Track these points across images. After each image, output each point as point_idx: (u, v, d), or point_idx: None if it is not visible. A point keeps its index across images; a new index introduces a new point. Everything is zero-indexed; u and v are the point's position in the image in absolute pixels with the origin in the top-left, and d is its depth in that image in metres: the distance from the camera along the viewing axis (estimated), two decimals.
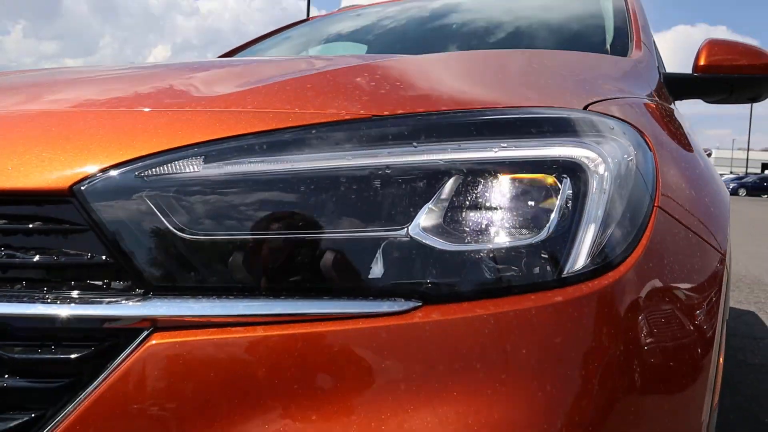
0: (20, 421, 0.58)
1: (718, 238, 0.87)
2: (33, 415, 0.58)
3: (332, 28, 2.87)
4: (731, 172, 62.90)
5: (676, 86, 1.82)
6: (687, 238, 0.78)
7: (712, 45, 1.82)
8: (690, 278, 0.75)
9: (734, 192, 37.69)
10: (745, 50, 1.80)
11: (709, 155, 2.08)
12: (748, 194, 37.54)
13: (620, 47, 1.75)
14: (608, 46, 1.83)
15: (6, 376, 0.59)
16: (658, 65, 1.78)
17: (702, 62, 1.78)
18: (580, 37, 2.11)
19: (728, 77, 1.80)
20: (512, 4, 2.80)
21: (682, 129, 1.21)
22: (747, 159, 65.02)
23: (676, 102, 1.97)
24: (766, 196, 36.83)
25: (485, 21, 2.58)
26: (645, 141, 0.79)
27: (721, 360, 0.87)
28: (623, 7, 2.15)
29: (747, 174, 50.22)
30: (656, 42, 2.17)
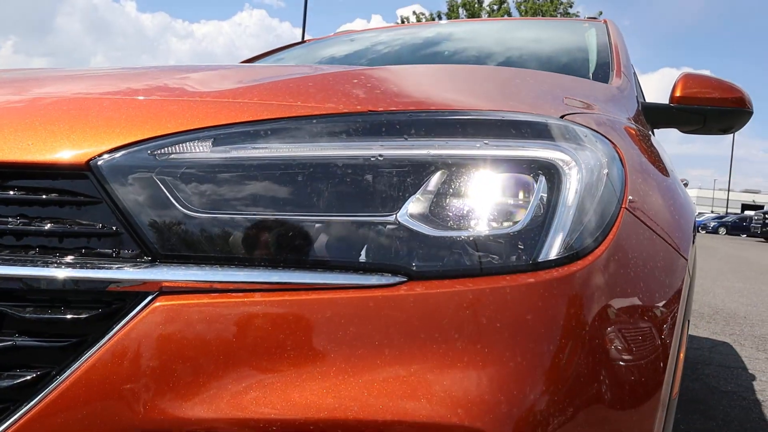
0: (27, 378, 0.62)
1: (682, 244, 0.94)
2: (39, 373, 0.62)
3: (326, 51, 2.94)
4: (712, 212, 63.83)
5: (653, 115, 1.91)
6: (652, 239, 0.85)
7: (688, 78, 1.91)
8: (653, 274, 0.81)
9: (715, 231, 38.23)
10: (718, 84, 1.90)
11: (685, 185, 2.15)
12: (728, 233, 38.07)
13: (602, 75, 1.84)
14: (590, 74, 1.92)
15: (17, 335, 0.63)
16: (637, 95, 1.87)
17: (678, 93, 1.87)
18: (564, 66, 2.20)
19: (702, 108, 1.89)
20: (502, 35, 2.91)
21: (655, 149, 1.29)
22: (727, 199, 66.11)
23: (655, 130, 2.06)
24: (744, 235, 37.36)
25: (476, 50, 2.68)
26: (616, 151, 0.86)
27: (682, 356, 0.93)
28: (606, 41, 2.25)
29: (727, 214, 51.00)
30: (642, 82, 2.27)
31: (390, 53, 2.77)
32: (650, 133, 1.79)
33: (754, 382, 3.32)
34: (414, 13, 24.70)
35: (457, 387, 0.60)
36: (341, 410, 0.58)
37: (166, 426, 0.58)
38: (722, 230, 38.84)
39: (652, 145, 1.31)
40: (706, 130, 2.05)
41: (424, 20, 21.98)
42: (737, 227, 38.75)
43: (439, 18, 22.37)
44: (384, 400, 0.59)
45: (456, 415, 0.59)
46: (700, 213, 62.90)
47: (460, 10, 22.86)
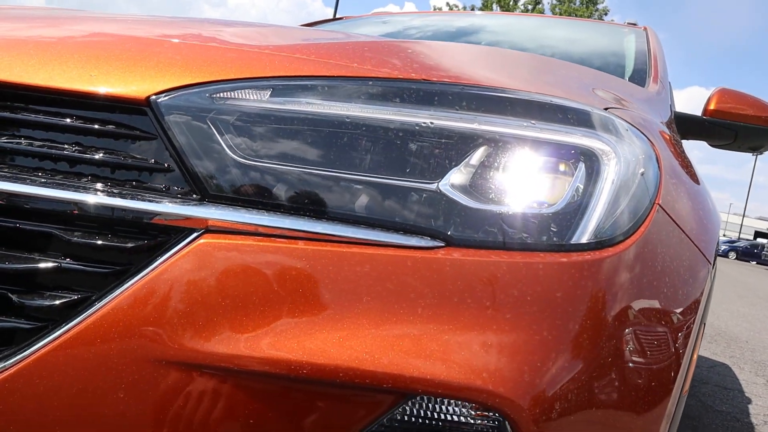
0: (68, 299, 0.64)
1: (708, 248, 0.95)
2: (80, 296, 0.64)
3: (360, 29, 2.94)
4: (724, 235, 63.36)
5: (685, 125, 1.91)
6: (680, 238, 0.86)
7: (723, 93, 1.91)
8: (678, 272, 0.82)
9: (725, 254, 37.96)
10: (753, 102, 1.89)
11: None
12: (738, 258, 37.83)
13: (638, 79, 1.84)
14: (627, 77, 1.92)
15: (62, 257, 0.66)
16: (671, 103, 1.87)
17: (712, 106, 1.86)
18: (600, 67, 2.20)
19: (734, 124, 1.88)
20: (538, 31, 2.90)
21: (686, 156, 1.29)
22: (741, 224, 65.59)
23: (683, 141, 2.06)
24: (755, 262, 37.09)
25: (509, 43, 2.67)
26: (653, 149, 0.87)
27: (695, 356, 0.94)
28: (645, 47, 2.24)
29: (739, 239, 50.64)
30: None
31: (422, 38, 2.76)
32: (680, 140, 1.79)
33: (750, 405, 3.32)
34: (447, 4, 24.55)
35: (484, 352, 0.62)
36: (372, 362, 0.60)
37: (200, 359, 0.60)
38: (732, 255, 38.60)
39: (683, 151, 1.32)
40: (736, 146, 2.04)
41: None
42: (748, 253, 38.50)
43: (473, 10, 22.24)
44: (413, 356, 0.61)
45: (480, 379, 0.61)
46: None
47: (494, 6, 22.69)
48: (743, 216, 67.12)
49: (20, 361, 0.62)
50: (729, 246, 40.37)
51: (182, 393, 0.60)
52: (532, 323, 0.64)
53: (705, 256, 0.94)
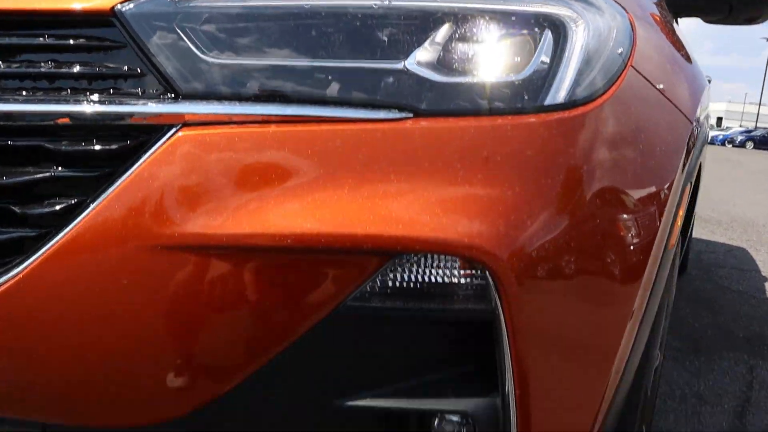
0: (64, 205, 0.69)
1: (688, 107, 0.97)
2: (75, 201, 0.69)
3: None
4: (741, 125, 62.30)
5: (677, 3, 1.87)
6: (657, 98, 0.88)
7: None
8: (656, 129, 0.84)
9: (742, 144, 37.42)
10: None
11: (709, 81, 2.12)
12: (756, 147, 37.28)
13: None
14: None
15: (54, 166, 0.70)
16: None
17: None
18: None
19: None
20: None
21: (675, 33, 1.28)
22: (758, 113, 64.25)
23: (678, 19, 2.02)
24: None
25: None
26: (627, 15, 0.87)
27: (681, 212, 0.97)
28: None
29: (756, 128, 49.75)
30: None
31: None
32: (674, 21, 1.76)
33: (766, 284, 3.38)
34: None
35: (459, 210, 0.66)
36: (351, 226, 0.64)
37: (189, 241, 0.65)
38: (750, 144, 38.04)
39: (672, 28, 1.31)
40: (732, 19, 2.00)
41: None
42: (765, 141, 37.91)
43: None
44: (390, 219, 0.65)
45: (456, 234, 0.65)
46: (727, 127, 61.42)
47: None
48: (759, 105, 65.72)
49: (31, 266, 0.67)
50: (746, 136, 39.72)
51: (176, 273, 0.66)
52: (505, 181, 0.67)
53: (685, 115, 0.96)
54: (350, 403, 0.73)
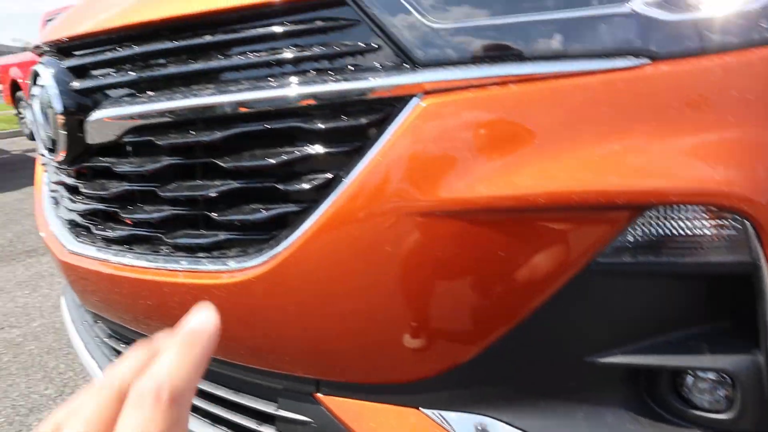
0: (323, 180, 0.75)
1: None
2: (330, 176, 0.74)
3: None
4: None
5: None
6: None
7: None
8: None
9: None
10: None
11: None
12: None
13: None
14: None
15: (309, 144, 0.76)
16: None
17: None
18: None
19: None
20: None
21: None
22: None
23: None
24: None
25: None
26: None
27: None
28: None
29: None
30: None
31: None
32: None
33: None
34: None
35: (712, 157, 0.61)
36: (602, 181, 0.63)
37: (444, 206, 0.67)
38: None
39: None
40: None
41: None
42: None
43: None
44: (641, 171, 0.62)
45: (713, 182, 0.60)
46: None
47: None
48: None
49: (299, 238, 0.75)
50: None
51: (432, 239, 0.68)
52: (760, 122, 0.61)
53: None
54: (602, 360, 0.72)
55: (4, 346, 2.78)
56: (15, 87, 10.98)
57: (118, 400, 0.35)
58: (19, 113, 11.33)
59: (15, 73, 10.76)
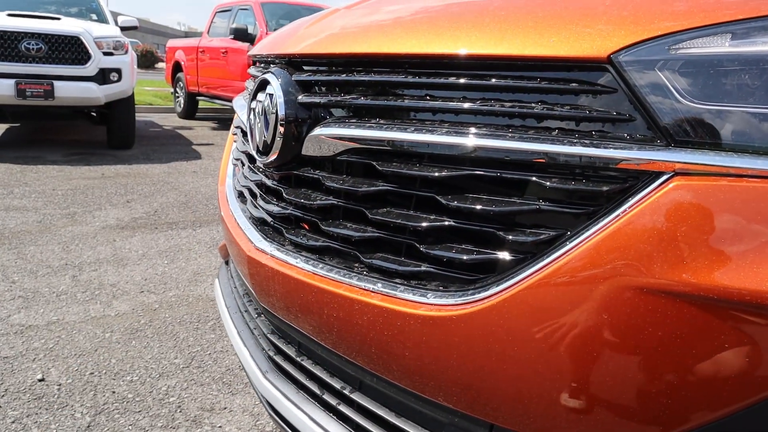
0: (545, 235, 0.76)
1: None
2: (554, 233, 0.75)
3: None
4: None
5: None
6: None
7: None
8: None
9: None
10: None
11: None
12: None
13: None
14: None
15: (540, 200, 0.77)
16: None
17: None
18: None
19: None
20: None
21: None
22: None
23: None
24: None
25: None
26: None
27: None
28: None
29: None
30: None
31: None
32: None
33: None
34: None
35: None
36: None
37: (679, 288, 0.65)
38: None
39: None
40: None
41: None
42: None
43: None
44: None
45: None
46: None
47: None
48: None
49: (511, 287, 0.76)
50: None
51: (657, 318, 0.67)
52: None
53: None
54: None
55: (143, 309, 3.00)
56: (176, 68, 11.91)
57: None
58: (175, 92, 12.26)
59: (179, 55, 11.67)
